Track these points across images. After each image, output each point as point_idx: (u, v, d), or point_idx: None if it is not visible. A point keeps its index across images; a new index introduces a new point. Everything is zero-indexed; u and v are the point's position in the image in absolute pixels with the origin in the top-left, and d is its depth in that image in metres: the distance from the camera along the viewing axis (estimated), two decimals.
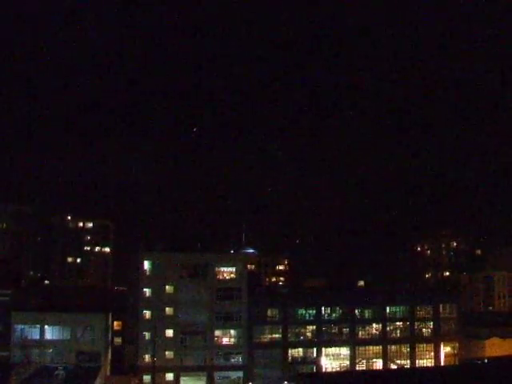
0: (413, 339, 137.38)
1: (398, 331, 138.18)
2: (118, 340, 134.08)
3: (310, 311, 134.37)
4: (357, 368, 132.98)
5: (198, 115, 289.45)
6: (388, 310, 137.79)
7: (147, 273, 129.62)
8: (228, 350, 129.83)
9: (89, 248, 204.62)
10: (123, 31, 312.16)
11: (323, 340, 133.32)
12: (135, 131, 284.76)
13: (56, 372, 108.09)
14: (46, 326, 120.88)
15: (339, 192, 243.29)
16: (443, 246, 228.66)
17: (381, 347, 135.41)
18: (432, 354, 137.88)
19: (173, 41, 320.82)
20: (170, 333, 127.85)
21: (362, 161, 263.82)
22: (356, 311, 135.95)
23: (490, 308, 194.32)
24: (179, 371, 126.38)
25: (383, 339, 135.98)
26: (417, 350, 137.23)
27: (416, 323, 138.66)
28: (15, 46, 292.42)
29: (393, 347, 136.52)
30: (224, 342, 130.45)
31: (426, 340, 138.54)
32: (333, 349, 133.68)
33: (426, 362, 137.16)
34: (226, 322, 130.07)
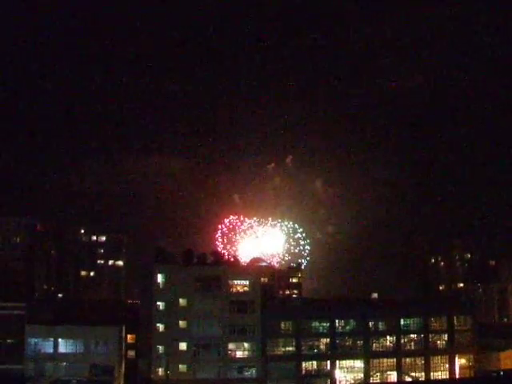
0: (427, 351, 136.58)
1: (413, 343, 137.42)
2: (131, 353, 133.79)
3: (324, 324, 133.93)
4: (371, 381, 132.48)
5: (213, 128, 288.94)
6: (402, 322, 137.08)
7: (160, 286, 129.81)
8: (242, 363, 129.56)
9: (102, 261, 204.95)
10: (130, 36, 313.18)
11: (337, 353, 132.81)
12: (150, 143, 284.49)
13: None
14: (59, 340, 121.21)
15: (351, 203, 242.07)
16: (457, 257, 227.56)
17: (395, 360, 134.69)
18: (447, 366, 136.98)
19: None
20: (183, 346, 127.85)
21: (372, 171, 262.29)
22: (370, 323, 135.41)
23: (505, 319, 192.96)
24: None
25: (397, 351, 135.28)
26: (431, 362, 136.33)
27: (430, 335, 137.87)
28: (16, 50, 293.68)
29: (407, 359, 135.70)
30: (238, 355, 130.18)
31: (441, 352, 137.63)
32: (347, 361, 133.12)
33: (441, 374, 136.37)
34: (239, 335, 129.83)
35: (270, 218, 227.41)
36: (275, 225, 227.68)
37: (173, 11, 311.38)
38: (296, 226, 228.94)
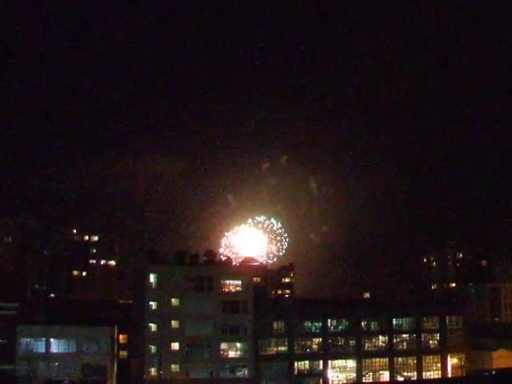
0: (419, 351, 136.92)
1: (405, 343, 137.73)
2: (123, 353, 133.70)
3: (316, 323, 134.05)
4: (363, 380, 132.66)
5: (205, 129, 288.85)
6: (394, 322, 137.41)
7: (153, 286, 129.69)
8: (234, 363, 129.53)
9: (94, 261, 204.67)
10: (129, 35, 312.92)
11: (329, 352, 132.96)
12: (144, 143, 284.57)
13: None
14: (51, 340, 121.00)
15: (344, 203, 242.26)
16: (449, 257, 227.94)
17: (387, 359, 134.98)
18: (439, 365, 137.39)
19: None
20: (175, 346, 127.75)
21: (365, 171, 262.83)
22: (362, 323, 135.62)
23: (497, 319, 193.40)
24: None
25: (390, 351, 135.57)
26: (423, 361, 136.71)
27: (422, 335, 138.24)
28: (14, 47, 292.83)
29: (399, 359, 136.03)
30: (230, 355, 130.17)
31: (433, 352, 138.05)
32: (339, 361, 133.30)
33: (433, 373, 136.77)
34: (231, 335, 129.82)
35: (263, 218, 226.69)
36: (269, 224, 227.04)
37: (173, 13, 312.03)
38: (290, 225, 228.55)
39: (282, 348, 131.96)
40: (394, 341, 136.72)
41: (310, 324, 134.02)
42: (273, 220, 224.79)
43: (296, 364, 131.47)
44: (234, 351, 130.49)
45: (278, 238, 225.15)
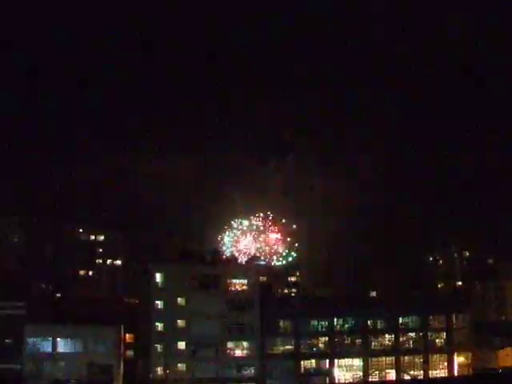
0: (426, 350, 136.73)
1: (411, 342, 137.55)
2: (129, 352, 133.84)
3: (323, 322, 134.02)
4: (370, 379, 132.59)
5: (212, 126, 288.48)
6: (401, 321, 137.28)
7: (159, 285, 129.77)
8: (240, 362, 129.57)
9: (100, 260, 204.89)
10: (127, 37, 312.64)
11: (336, 351, 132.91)
12: (151, 141, 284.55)
13: None
14: (58, 339, 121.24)
15: (349, 200, 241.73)
16: (455, 255, 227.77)
17: (394, 358, 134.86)
18: (445, 364, 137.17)
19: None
20: (182, 345, 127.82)
21: (370, 167, 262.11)
22: (368, 322, 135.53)
23: (503, 317, 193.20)
24: None
25: (396, 350, 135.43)
26: (430, 360, 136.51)
27: (429, 333, 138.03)
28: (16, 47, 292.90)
29: (406, 358, 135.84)
30: (236, 354, 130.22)
31: (439, 350, 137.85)
32: (345, 360, 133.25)
33: (440, 372, 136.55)
34: (238, 334, 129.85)
35: (270, 215, 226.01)
36: (275, 222, 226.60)
37: (177, 12, 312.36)
38: (297, 223, 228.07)
39: (289, 347, 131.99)
40: (401, 339, 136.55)
41: (316, 323, 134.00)
42: (282, 219, 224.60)
43: (302, 363, 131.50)
44: (240, 350, 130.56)
45: (284, 236, 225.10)
